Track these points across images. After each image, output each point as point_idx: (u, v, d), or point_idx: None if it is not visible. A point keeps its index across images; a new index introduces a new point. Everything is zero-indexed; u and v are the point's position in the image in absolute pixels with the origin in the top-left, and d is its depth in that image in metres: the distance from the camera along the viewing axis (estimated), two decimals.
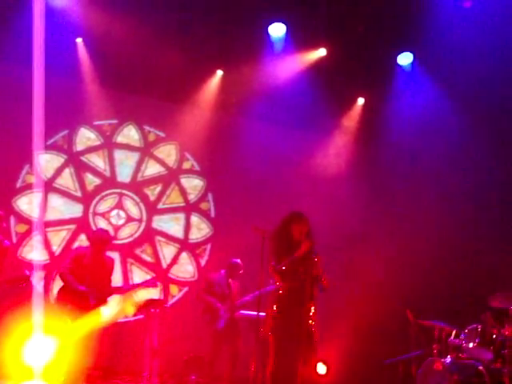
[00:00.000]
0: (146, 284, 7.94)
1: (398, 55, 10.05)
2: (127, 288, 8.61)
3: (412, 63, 10.04)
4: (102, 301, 7.38)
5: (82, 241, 9.46)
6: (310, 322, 5.50)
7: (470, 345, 7.44)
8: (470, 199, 9.35)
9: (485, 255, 8.87)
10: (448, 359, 7.47)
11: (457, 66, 9.12)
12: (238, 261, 8.49)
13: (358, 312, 10.71)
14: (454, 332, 7.70)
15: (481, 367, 7.47)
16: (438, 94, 9.80)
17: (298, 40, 9.50)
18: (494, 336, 7.32)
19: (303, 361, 5.34)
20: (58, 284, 8.24)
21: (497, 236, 8.89)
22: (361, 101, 10.68)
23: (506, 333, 6.90)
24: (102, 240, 7.45)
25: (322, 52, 9.78)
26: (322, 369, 8.56)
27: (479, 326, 7.43)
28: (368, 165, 10.99)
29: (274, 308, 5.60)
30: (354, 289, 10.78)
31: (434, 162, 9.65)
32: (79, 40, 9.50)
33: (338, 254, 10.03)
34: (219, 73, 10.06)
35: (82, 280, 7.23)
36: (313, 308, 5.57)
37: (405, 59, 10.06)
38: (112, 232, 9.78)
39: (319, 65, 9.69)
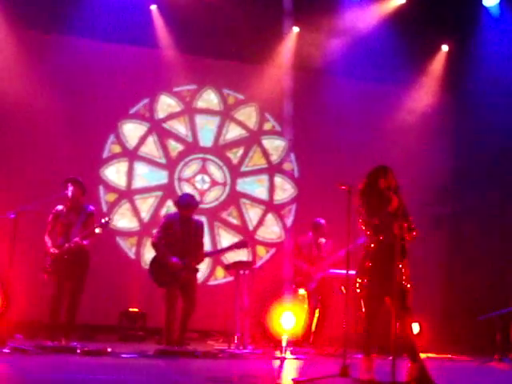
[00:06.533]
0: (237, 246, 7.94)
1: None
2: (219, 252, 8.72)
3: (499, 4, 9.49)
4: (195, 267, 7.44)
5: (169, 207, 9.59)
6: (404, 278, 5.35)
7: None
8: None
9: None
10: None
11: None
12: (321, 220, 8.41)
13: (450, 267, 10.46)
14: None
15: None
16: None
17: None
18: None
19: (397, 319, 5.22)
20: (149, 251, 8.43)
21: None
22: (445, 48, 10.22)
23: None
24: (189, 205, 7.47)
25: None
26: (415, 328, 8.40)
27: None
28: (455, 115, 10.57)
29: (366, 264, 5.48)
30: (445, 244, 10.53)
31: None
32: (153, 7, 9.52)
33: (428, 209, 9.74)
34: (295, 30, 9.85)
35: (173, 247, 7.30)
36: (406, 265, 5.42)
37: (491, 0, 9.52)
38: (198, 196, 9.89)
39: (399, 13, 9.31)
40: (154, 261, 7.45)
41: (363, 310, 5.50)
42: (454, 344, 9.16)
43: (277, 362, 6.93)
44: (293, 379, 5.34)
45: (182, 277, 7.21)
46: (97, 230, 7.14)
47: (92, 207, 7.47)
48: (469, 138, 10.26)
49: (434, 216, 10.10)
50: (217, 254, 8.98)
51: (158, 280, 7.31)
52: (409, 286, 5.43)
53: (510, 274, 8.29)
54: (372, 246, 5.51)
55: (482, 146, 9.90)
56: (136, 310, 8.77)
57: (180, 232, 7.37)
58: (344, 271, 7.62)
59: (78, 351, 6.61)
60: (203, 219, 9.70)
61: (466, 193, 10.00)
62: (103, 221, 7.19)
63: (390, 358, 4.97)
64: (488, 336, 8.66)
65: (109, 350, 6.72)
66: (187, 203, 7.48)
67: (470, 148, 10.23)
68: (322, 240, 8.45)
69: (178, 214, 7.54)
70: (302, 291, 8.22)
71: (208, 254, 7.95)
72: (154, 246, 7.47)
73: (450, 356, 8.36)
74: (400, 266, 5.35)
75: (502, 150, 9.55)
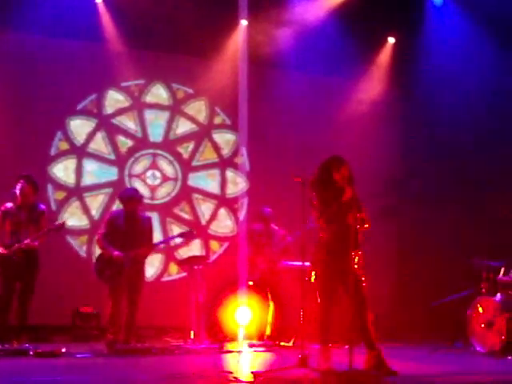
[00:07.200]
0: (183, 235, 7.87)
1: None
2: (165, 241, 8.62)
3: None
4: (140, 262, 7.33)
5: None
6: (358, 268, 5.42)
7: None
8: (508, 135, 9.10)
9: None
10: (498, 297, 7.36)
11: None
12: (266, 209, 8.49)
13: (400, 256, 10.65)
14: (502, 269, 7.57)
15: None
16: (472, 28, 9.42)
17: None
18: None
19: (353, 308, 5.28)
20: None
21: None
22: (391, 40, 10.37)
23: None
24: (132, 198, 7.35)
25: None
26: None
27: None
28: (403, 105, 10.75)
29: (320, 255, 5.52)
30: (395, 233, 10.71)
31: (470, 98, 9.34)
32: (99, 0, 9.36)
33: (377, 198, 9.87)
34: (244, 23, 9.82)
35: (117, 242, 7.19)
36: (359, 255, 5.49)
37: None
38: (148, 192, 9.78)
39: (346, 5, 9.40)
40: (98, 258, 7.36)
41: (318, 300, 5.54)
42: (407, 331, 9.35)
43: (234, 356, 6.92)
44: (252, 372, 5.35)
45: (126, 270, 7.10)
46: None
47: (43, 206, 7.32)
48: (416, 128, 10.46)
49: (383, 205, 10.25)
50: (162, 243, 8.85)
51: (101, 275, 7.20)
52: (363, 275, 5.50)
53: (459, 260, 8.49)
54: (325, 236, 5.55)
55: (429, 136, 10.11)
56: (89, 308, 8.63)
57: (124, 228, 7.25)
58: (297, 263, 7.76)
59: (31, 353, 6.48)
60: (154, 215, 9.71)
61: (414, 182, 10.19)
62: (57, 223, 7.08)
63: (347, 346, 5.02)
64: (440, 322, 8.87)
65: (63, 350, 6.60)
66: (130, 196, 7.37)
67: (416, 138, 10.43)
68: (275, 227, 8.50)
69: (122, 210, 7.45)
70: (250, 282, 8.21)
71: (155, 245, 7.76)
72: (98, 242, 7.40)
73: (404, 343, 8.53)
74: (354, 256, 5.42)
75: (448, 140, 9.77)
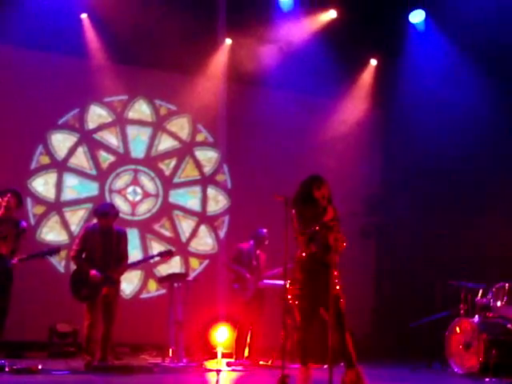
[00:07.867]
0: (161, 255, 7.77)
1: (409, 13, 9.86)
2: (143, 261, 8.55)
3: (425, 21, 9.84)
4: (117, 279, 7.20)
5: None
6: (337, 288, 5.42)
7: (498, 303, 7.38)
8: (490, 153, 9.23)
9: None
10: (476, 319, 7.40)
11: (471, 21, 8.88)
12: (264, 231, 8.30)
13: (380, 276, 10.69)
14: (480, 291, 7.63)
15: (509, 325, 7.40)
16: (453, 50, 9.59)
17: (307, 3, 9.32)
18: None
19: (333, 328, 5.28)
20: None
21: None
22: (373, 62, 10.50)
23: None
24: (108, 214, 7.17)
25: (332, 14, 9.62)
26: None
27: (507, 284, 7.34)
28: (384, 126, 10.86)
29: (299, 275, 5.51)
30: (375, 253, 10.76)
31: (451, 120, 9.48)
32: (84, 16, 9.37)
33: (356, 218, 9.94)
34: (228, 41, 9.89)
35: (94, 259, 7.04)
36: (337, 274, 5.49)
37: (417, 17, 9.87)
38: (128, 208, 9.75)
39: (330, 27, 9.52)
40: (73, 275, 7.15)
41: (298, 319, 5.53)
42: (386, 352, 9.37)
43: (213, 375, 6.86)
44: None
45: (103, 290, 6.97)
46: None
47: (25, 223, 7.18)
48: (396, 149, 10.58)
49: (362, 225, 10.33)
50: (140, 263, 8.71)
51: (77, 294, 7.02)
52: (342, 295, 5.50)
53: (438, 281, 8.56)
54: (305, 255, 5.55)
55: (408, 157, 10.22)
56: (66, 325, 8.51)
57: (100, 243, 7.08)
58: (277, 282, 7.74)
59: (7, 369, 6.36)
60: (134, 231, 9.67)
61: (393, 203, 10.26)
62: (53, 247, 6.99)
63: (327, 366, 5.01)
64: (418, 343, 8.90)
65: (39, 367, 6.50)
66: (106, 211, 7.19)
67: (396, 158, 10.54)
68: (260, 252, 8.42)
69: (97, 224, 7.28)
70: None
71: (132, 265, 7.64)
72: (73, 259, 7.21)
73: (382, 364, 8.54)
74: (333, 275, 5.41)
75: (428, 160, 9.88)
